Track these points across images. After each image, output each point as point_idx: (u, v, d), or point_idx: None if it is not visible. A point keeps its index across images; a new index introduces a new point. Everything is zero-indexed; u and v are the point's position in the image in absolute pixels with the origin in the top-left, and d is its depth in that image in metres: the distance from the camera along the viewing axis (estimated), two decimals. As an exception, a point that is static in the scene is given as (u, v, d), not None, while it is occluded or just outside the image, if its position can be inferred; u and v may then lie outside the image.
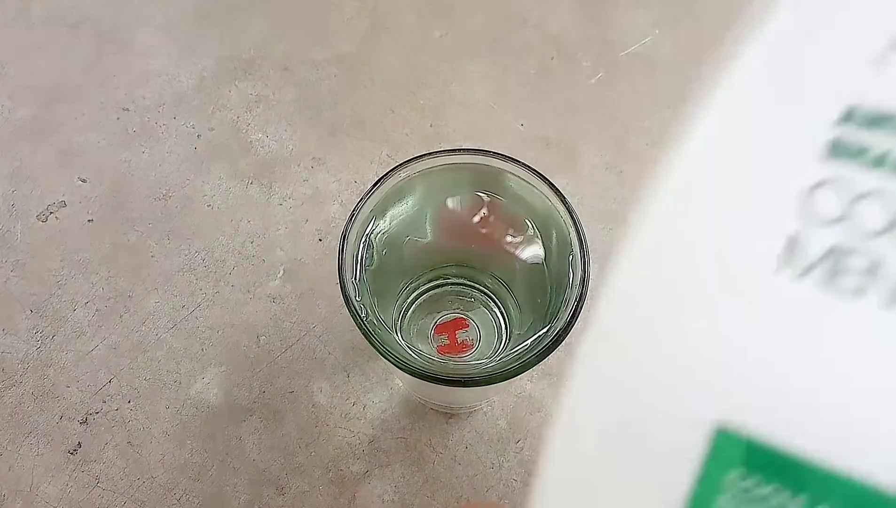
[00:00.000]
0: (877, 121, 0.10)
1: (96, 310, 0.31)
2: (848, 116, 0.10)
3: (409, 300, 0.24)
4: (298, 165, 0.34)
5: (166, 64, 0.37)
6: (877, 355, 0.09)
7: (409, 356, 0.20)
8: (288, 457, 0.27)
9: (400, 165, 0.22)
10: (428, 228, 0.23)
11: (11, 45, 0.38)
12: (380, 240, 0.22)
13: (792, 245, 0.10)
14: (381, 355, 0.20)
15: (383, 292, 0.23)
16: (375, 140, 0.34)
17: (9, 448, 0.28)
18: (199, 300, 0.31)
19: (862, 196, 0.10)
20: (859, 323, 0.09)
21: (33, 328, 0.30)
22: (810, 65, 0.10)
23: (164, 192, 0.33)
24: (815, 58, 0.10)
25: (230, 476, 0.27)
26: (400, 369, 0.19)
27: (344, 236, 0.21)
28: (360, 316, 0.20)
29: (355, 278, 0.21)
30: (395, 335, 0.22)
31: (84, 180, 0.34)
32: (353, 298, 0.20)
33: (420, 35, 0.38)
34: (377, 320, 0.21)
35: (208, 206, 0.33)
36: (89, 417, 0.29)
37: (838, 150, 0.10)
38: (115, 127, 0.35)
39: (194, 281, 0.31)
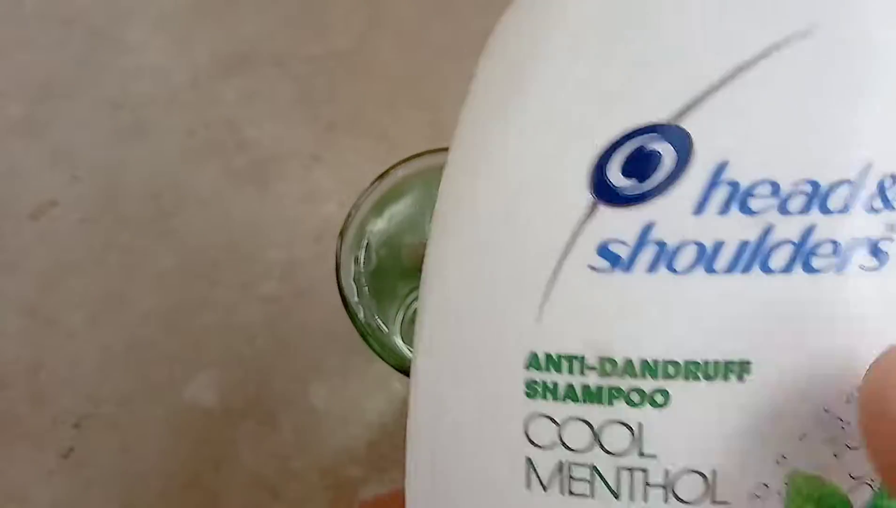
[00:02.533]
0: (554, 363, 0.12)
1: (88, 311, 0.30)
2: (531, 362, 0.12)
3: (409, 302, 0.24)
4: (294, 163, 0.33)
5: (159, 59, 0.37)
6: None
7: (407, 359, 0.20)
8: (284, 462, 0.27)
9: (399, 162, 0.21)
10: (428, 227, 0.23)
11: (3, 41, 0.38)
12: (378, 240, 0.22)
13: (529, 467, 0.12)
14: (379, 356, 0.19)
15: (383, 294, 0.22)
16: (374, 137, 0.34)
17: (0, 453, 0.28)
18: (193, 301, 0.30)
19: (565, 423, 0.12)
20: None
21: (24, 330, 0.30)
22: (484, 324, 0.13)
23: (157, 190, 0.33)
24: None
25: (224, 481, 0.27)
26: (398, 371, 0.19)
27: (341, 236, 0.21)
28: (357, 317, 0.20)
29: (353, 279, 0.21)
30: (397, 338, 0.22)
31: (76, 179, 0.33)
32: (351, 298, 0.20)
33: (420, 29, 0.37)
34: (376, 322, 0.21)
35: (202, 204, 0.32)
36: (82, 420, 0.28)
37: (532, 391, 0.12)
38: (108, 124, 0.35)
39: (188, 281, 0.31)
